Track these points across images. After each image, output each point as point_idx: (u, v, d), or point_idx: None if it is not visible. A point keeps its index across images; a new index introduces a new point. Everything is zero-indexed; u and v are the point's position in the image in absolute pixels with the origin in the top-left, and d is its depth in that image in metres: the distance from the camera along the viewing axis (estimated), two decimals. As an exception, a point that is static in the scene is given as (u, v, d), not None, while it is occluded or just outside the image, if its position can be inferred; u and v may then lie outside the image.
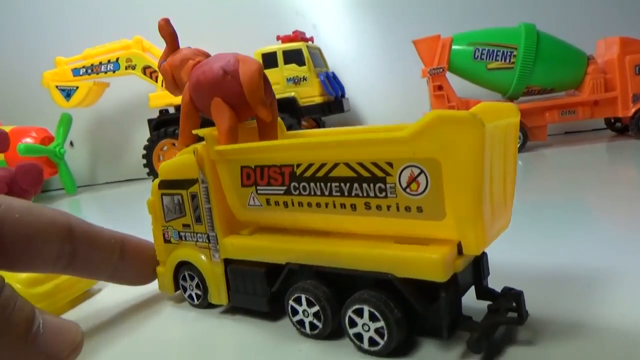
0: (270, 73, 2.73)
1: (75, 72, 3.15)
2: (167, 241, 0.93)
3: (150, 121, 2.94)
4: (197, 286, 0.90)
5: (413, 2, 3.18)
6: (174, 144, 2.84)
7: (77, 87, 3.19)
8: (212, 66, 0.85)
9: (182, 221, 0.89)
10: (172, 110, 3.10)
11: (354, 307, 0.69)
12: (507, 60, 2.56)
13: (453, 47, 2.65)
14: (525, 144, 2.59)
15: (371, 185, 0.67)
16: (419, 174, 0.63)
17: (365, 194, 0.68)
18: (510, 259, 0.91)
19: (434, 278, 0.63)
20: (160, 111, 3.09)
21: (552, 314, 0.74)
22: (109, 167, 3.83)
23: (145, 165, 2.84)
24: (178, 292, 0.96)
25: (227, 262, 0.85)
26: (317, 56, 3.02)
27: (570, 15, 2.94)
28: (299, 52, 2.79)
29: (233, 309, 0.90)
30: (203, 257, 0.88)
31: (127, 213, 2.45)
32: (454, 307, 0.67)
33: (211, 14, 3.39)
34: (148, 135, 3.03)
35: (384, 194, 0.67)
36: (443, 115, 0.59)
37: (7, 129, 3.15)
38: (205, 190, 0.84)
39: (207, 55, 0.95)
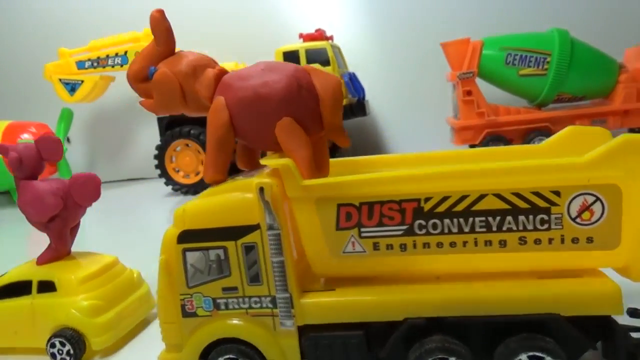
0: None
1: (80, 64, 2.96)
2: (188, 314, 0.72)
3: (160, 119, 2.78)
4: None
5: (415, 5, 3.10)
6: (187, 145, 2.68)
7: (82, 81, 3.00)
8: (277, 77, 0.68)
9: (223, 284, 0.70)
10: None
11: (524, 355, 0.61)
12: (540, 67, 2.49)
13: (484, 51, 2.57)
14: (556, 153, 2.52)
15: (530, 217, 0.63)
16: (593, 202, 0.61)
17: (521, 228, 0.63)
18: None
19: (612, 312, 0.61)
20: (170, 109, 2.93)
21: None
22: (110, 165, 3.65)
23: (157, 167, 2.67)
24: None
25: (301, 330, 0.69)
26: (338, 55, 2.90)
27: (596, 22, 2.90)
28: (323, 51, 2.66)
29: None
30: (259, 328, 0.69)
31: (130, 215, 2.35)
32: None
33: (225, 11, 3.24)
34: (152, 132, 2.87)
35: (546, 225, 0.63)
36: (633, 140, 0.59)
37: (4, 123, 2.96)
38: (276, 238, 0.66)
39: (217, 63, 0.78)
